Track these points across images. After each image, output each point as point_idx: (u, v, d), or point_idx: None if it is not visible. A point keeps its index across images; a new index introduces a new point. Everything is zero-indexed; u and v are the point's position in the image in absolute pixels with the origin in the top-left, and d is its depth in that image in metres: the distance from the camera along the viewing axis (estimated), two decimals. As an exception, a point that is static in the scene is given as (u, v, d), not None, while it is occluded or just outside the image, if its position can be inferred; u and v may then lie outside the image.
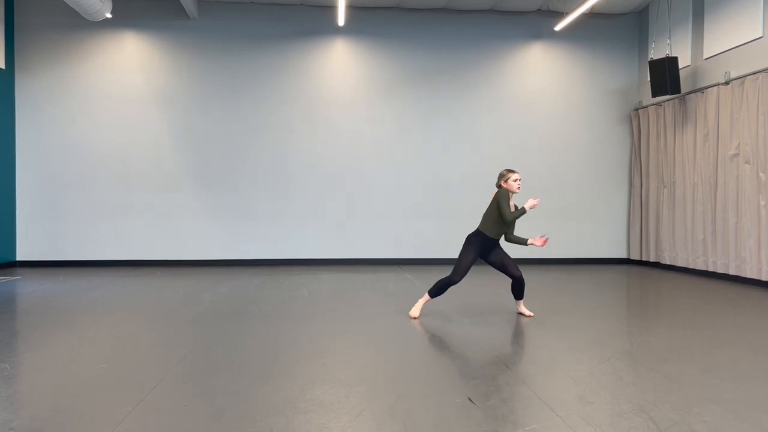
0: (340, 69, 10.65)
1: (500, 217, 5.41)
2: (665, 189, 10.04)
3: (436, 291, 5.60)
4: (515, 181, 5.42)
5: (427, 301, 5.74)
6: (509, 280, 8.50)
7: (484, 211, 5.60)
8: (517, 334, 4.93)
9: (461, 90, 10.77)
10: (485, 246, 5.54)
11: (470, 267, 5.50)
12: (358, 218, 10.61)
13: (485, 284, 7.83)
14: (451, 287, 5.64)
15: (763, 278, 7.86)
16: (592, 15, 10.76)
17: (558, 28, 10.46)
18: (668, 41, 9.70)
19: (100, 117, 10.22)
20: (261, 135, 10.48)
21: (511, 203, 5.46)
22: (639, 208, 10.79)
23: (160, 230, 10.32)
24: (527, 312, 5.76)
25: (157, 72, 10.32)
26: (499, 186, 5.51)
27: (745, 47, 8.26)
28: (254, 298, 6.83)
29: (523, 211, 5.34)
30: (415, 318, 5.63)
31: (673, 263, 9.83)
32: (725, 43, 8.65)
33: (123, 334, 4.99)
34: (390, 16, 10.68)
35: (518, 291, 5.72)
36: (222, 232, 10.43)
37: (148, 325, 5.36)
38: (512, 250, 10.76)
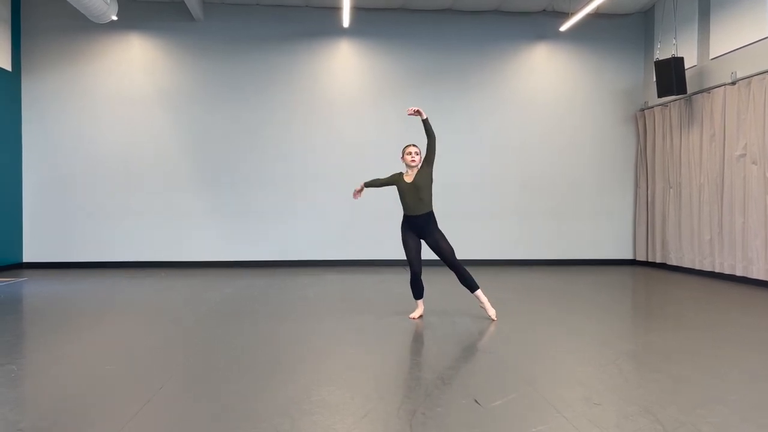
0: (345, 70, 10.66)
1: (403, 190, 5.53)
2: (671, 190, 10.00)
3: (414, 292, 5.66)
4: (408, 154, 5.54)
5: (421, 305, 5.72)
6: (517, 280, 8.51)
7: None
8: (522, 335, 4.92)
9: (466, 90, 10.76)
10: (411, 225, 5.51)
11: (415, 252, 5.48)
12: (363, 219, 10.60)
13: (488, 285, 7.81)
14: (421, 279, 5.61)
15: (770, 279, 7.82)
16: (597, 15, 10.73)
17: (563, 28, 10.44)
18: (674, 41, 9.67)
19: (106, 119, 10.26)
20: (266, 136, 10.50)
21: (408, 175, 5.54)
22: (645, 208, 10.75)
23: (165, 231, 10.34)
24: (489, 309, 5.46)
25: (163, 73, 10.36)
26: (402, 159, 5.66)
27: (752, 47, 8.22)
28: (259, 298, 6.84)
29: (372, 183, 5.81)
30: (414, 318, 5.63)
31: (679, 264, 9.79)
32: (731, 43, 8.61)
33: (129, 334, 5.01)
34: (394, 17, 10.69)
35: (465, 281, 5.44)
36: (226, 233, 10.45)
37: (153, 325, 5.38)
38: (518, 249, 10.80)
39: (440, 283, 8.14)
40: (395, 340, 4.79)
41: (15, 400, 3.27)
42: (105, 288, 7.77)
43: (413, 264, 5.52)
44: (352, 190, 5.83)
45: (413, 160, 5.52)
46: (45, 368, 3.93)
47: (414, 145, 5.62)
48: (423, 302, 5.77)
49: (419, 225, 5.49)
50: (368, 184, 5.82)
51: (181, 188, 10.37)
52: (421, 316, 5.67)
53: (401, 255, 10.41)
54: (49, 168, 10.18)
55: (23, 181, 10.15)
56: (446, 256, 5.41)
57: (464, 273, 5.44)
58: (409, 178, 5.54)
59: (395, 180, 5.63)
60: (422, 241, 5.56)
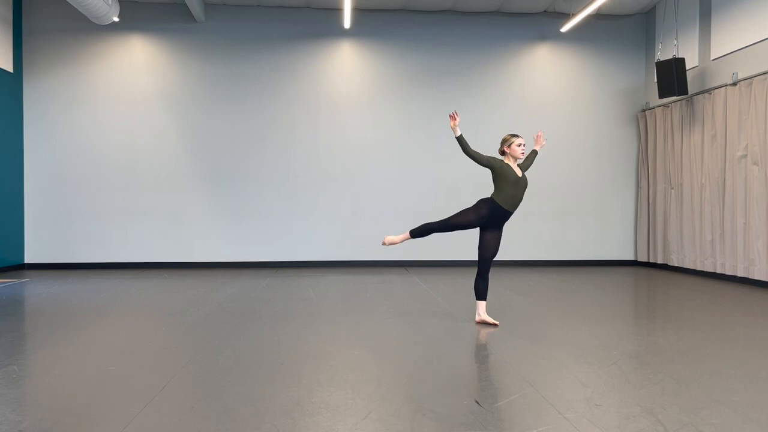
0: (346, 71, 10.67)
1: (514, 182, 5.14)
2: (673, 190, 9.99)
3: (419, 233, 5.37)
4: (519, 146, 5.19)
5: (405, 239, 5.44)
6: (519, 281, 8.49)
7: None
8: (523, 336, 4.91)
9: (467, 91, 10.76)
10: (499, 218, 5.23)
11: (463, 227, 5.25)
12: (365, 220, 10.62)
13: (492, 286, 7.80)
14: (435, 234, 5.38)
15: (772, 280, 7.81)
16: (598, 16, 10.74)
17: (564, 29, 10.45)
18: (675, 42, 9.67)
19: (108, 119, 10.28)
20: (267, 137, 10.51)
21: (515, 167, 5.20)
22: (646, 209, 10.75)
23: (167, 232, 10.35)
24: (491, 319, 5.32)
25: (164, 75, 10.37)
26: (502, 152, 5.29)
27: (753, 48, 8.22)
28: (261, 299, 6.84)
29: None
30: (385, 243, 5.47)
31: (680, 265, 9.78)
32: (733, 43, 8.60)
33: (130, 335, 5.01)
34: (396, 18, 10.69)
35: (484, 285, 5.31)
36: (228, 234, 10.46)
37: (155, 326, 5.38)
38: (519, 250, 10.79)
39: (442, 283, 8.14)
40: (396, 341, 4.79)
41: (16, 400, 3.27)
42: (106, 289, 7.77)
43: (446, 224, 5.29)
44: (454, 115, 5.24)
45: (523, 153, 5.21)
46: (46, 369, 3.93)
47: (522, 137, 5.25)
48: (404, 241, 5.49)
49: (504, 220, 5.27)
50: (463, 140, 5.21)
51: (182, 189, 10.38)
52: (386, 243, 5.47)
53: (404, 256, 10.58)
54: (51, 169, 10.20)
55: (25, 182, 10.16)
56: (494, 253, 5.29)
57: (487, 279, 5.35)
58: (519, 172, 5.22)
59: (500, 166, 5.17)
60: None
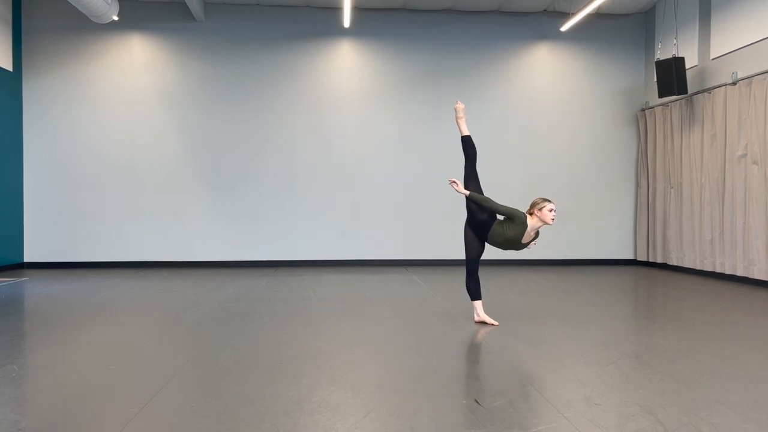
0: (346, 70, 10.66)
1: (516, 240, 5.01)
2: (672, 190, 9.99)
3: (470, 148, 5.55)
4: (550, 211, 4.93)
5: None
6: (518, 280, 8.50)
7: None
8: (524, 335, 4.91)
9: (467, 91, 10.74)
10: (480, 230, 5.18)
11: (470, 200, 5.19)
12: (365, 219, 10.62)
13: (488, 285, 7.81)
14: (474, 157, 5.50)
15: (772, 279, 7.81)
16: (598, 15, 10.74)
17: (564, 28, 10.45)
18: (675, 41, 9.66)
19: (107, 119, 10.27)
20: (267, 136, 10.51)
21: (531, 231, 4.99)
22: (646, 208, 10.75)
23: (166, 232, 10.35)
24: (489, 319, 5.31)
25: (164, 74, 10.37)
26: (530, 213, 5.01)
27: (753, 47, 8.22)
28: (261, 299, 6.84)
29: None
30: (458, 106, 5.55)
31: (680, 264, 9.78)
32: (732, 43, 8.60)
33: (130, 335, 5.01)
34: (395, 17, 10.69)
35: (474, 287, 5.29)
36: (228, 233, 10.46)
37: (155, 326, 5.38)
38: (525, 250, 10.74)
39: (442, 283, 8.14)
40: (396, 341, 4.79)
41: (16, 399, 3.27)
42: (106, 288, 7.77)
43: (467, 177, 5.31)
44: (453, 181, 5.29)
45: (554, 219, 4.95)
46: (46, 368, 3.93)
47: (554, 202, 5.03)
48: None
49: (481, 237, 5.23)
50: (475, 196, 5.17)
51: (182, 189, 10.38)
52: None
53: (403, 255, 10.59)
54: (51, 168, 10.19)
55: (24, 181, 10.16)
56: (479, 253, 5.29)
57: (477, 278, 5.33)
58: (527, 238, 5.03)
59: (521, 221, 4.96)
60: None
